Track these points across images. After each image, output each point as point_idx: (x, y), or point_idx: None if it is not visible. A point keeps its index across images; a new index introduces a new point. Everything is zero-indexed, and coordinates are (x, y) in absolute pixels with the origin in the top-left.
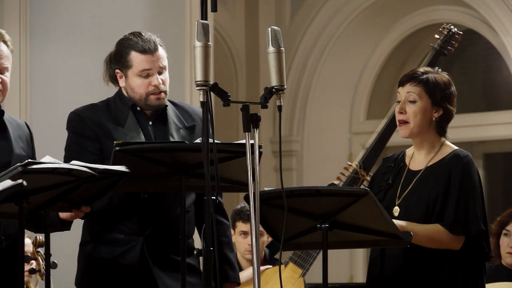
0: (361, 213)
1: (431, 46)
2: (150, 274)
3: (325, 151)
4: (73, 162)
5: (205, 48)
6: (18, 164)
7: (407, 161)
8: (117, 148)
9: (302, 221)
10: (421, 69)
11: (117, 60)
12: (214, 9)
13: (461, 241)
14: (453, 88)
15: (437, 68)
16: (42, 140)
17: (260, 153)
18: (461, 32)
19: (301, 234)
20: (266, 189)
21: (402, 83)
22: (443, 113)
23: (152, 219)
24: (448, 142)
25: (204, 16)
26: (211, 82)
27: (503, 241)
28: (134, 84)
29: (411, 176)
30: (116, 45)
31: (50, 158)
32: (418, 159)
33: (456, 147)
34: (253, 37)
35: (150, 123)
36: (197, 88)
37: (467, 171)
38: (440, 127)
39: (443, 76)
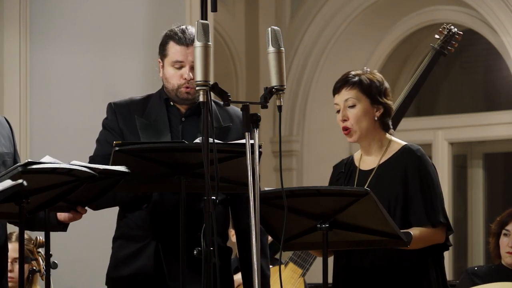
0: (361, 213)
1: (431, 46)
2: (162, 271)
3: (325, 151)
4: (73, 162)
5: (205, 48)
6: (18, 164)
7: (356, 163)
8: (117, 148)
9: (302, 221)
10: (352, 72)
11: (159, 50)
12: (214, 9)
13: (443, 232)
14: (386, 83)
15: (365, 68)
16: (42, 140)
17: (260, 153)
18: (461, 32)
19: (301, 234)
20: (266, 189)
21: (337, 90)
22: (384, 109)
23: (168, 217)
24: (394, 138)
25: (204, 16)
26: (211, 82)
27: (503, 241)
28: (168, 74)
29: (364, 176)
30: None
31: (50, 158)
32: (368, 159)
33: (404, 142)
34: (253, 37)
35: (183, 119)
36: (197, 88)
37: (423, 165)
38: (384, 124)
39: (375, 74)
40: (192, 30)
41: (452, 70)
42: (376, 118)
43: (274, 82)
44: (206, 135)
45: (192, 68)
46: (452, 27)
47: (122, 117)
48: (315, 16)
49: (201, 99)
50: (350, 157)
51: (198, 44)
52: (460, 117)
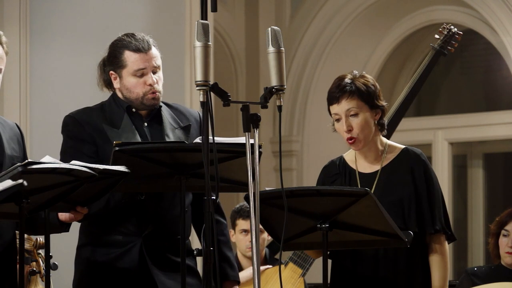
0: (361, 213)
1: (431, 46)
2: (149, 274)
3: (325, 151)
4: (73, 162)
5: (205, 48)
6: (18, 164)
7: (352, 165)
8: (117, 148)
9: (302, 221)
10: (345, 79)
11: (111, 61)
12: (214, 9)
13: (444, 239)
14: (377, 84)
15: (354, 71)
16: (42, 140)
17: (260, 153)
18: (461, 32)
19: (301, 234)
20: (266, 189)
21: (335, 100)
22: (381, 112)
23: (150, 220)
24: (385, 139)
25: (204, 16)
26: (211, 82)
27: (502, 241)
28: (130, 84)
29: (367, 179)
30: (109, 47)
31: (50, 158)
32: (366, 161)
33: (401, 145)
34: (253, 37)
35: (146, 124)
36: (197, 88)
37: (429, 171)
38: (381, 125)
39: (367, 77)
40: (141, 35)
41: (452, 70)
42: (375, 122)
43: (274, 82)
44: (206, 135)
45: (153, 72)
46: (452, 27)
47: (87, 125)
48: (315, 16)
49: (201, 99)
50: (341, 158)
51: (198, 44)
52: (460, 117)
